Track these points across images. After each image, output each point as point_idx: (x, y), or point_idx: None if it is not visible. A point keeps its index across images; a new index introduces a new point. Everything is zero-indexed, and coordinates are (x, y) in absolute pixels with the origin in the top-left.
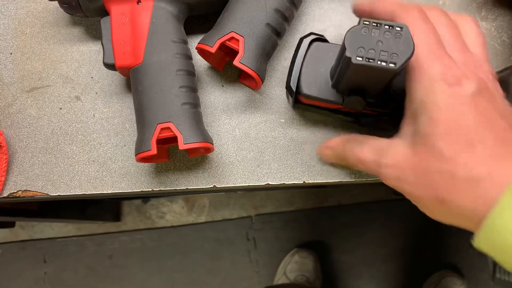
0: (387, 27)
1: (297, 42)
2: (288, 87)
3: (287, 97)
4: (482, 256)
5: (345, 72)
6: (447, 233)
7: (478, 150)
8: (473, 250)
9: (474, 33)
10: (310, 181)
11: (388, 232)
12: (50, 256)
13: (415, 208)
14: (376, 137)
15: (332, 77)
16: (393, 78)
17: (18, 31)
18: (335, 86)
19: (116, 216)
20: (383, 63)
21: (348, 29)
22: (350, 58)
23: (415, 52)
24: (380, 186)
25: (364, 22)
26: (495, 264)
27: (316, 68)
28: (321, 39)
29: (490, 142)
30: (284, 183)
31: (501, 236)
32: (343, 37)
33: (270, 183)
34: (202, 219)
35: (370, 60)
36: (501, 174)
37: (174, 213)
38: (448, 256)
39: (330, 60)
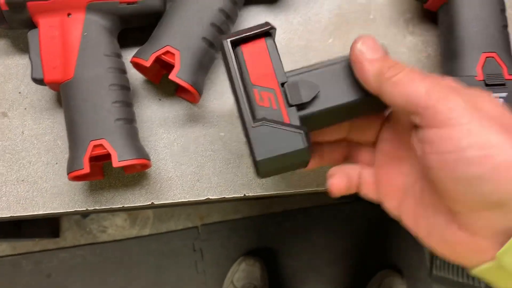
0: None
1: None
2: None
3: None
4: (420, 256)
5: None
6: (388, 235)
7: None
8: (412, 250)
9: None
10: (250, 194)
11: (332, 236)
12: None
13: (357, 211)
14: None
15: None
16: None
17: None
18: None
19: (54, 232)
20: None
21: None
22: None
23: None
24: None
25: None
26: (432, 262)
27: None
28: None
29: None
30: (224, 197)
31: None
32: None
33: (211, 197)
34: (146, 231)
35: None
36: None
37: (116, 227)
38: (389, 257)
39: None
